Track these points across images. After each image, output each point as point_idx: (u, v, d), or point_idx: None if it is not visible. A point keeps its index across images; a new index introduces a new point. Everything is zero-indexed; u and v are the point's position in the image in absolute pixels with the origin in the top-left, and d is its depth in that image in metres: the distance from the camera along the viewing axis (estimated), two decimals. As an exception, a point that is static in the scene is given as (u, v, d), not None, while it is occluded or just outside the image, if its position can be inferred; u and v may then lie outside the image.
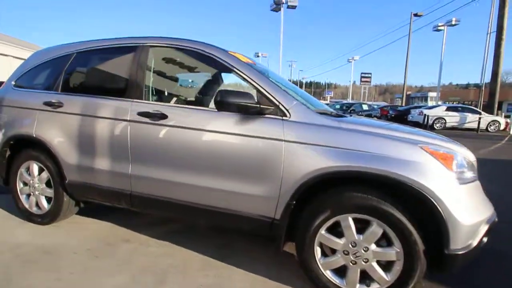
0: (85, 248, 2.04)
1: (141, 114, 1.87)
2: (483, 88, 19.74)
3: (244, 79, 1.76)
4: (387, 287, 1.51)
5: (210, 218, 1.83)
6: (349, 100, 42.55)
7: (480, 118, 13.38)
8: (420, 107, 17.65)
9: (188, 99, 2.44)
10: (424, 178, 1.38)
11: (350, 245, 1.52)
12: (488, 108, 15.35)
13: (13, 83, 2.46)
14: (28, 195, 2.38)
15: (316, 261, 1.60)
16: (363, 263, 1.51)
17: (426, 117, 13.82)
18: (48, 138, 2.14)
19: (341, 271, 1.59)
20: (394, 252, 1.47)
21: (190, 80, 2.78)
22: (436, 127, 14.04)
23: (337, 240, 1.54)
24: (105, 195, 2.08)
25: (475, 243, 1.44)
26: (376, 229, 1.47)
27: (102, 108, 2.02)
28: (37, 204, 2.35)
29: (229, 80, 2.66)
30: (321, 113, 1.68)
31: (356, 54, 44.04)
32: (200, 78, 2.64)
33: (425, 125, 13.35)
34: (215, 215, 1.76)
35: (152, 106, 1.88)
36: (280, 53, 16.66)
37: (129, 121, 1.90)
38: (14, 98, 2.39)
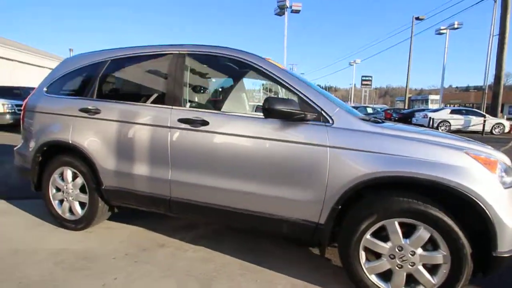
0: (123, 254, 2.06)
1: (181, 120, 1.91)
2: (486, 91, 19.86)
3: (286, 87, 1.80)
4: (433, 291, 1.53)
5: (251, 223, 1.85)
6: (351, 103, 42.65)
7: (485, 121, 13.45)
8: (424, 110, 17.71)
9: (223, 105, 2.48)
10: (473, 183, 1.41)
11: (397, 249, 1.54)
12: (491, 111, 15.41)
13: (44, 89, 2.50)
14: (61, 201, 2.41)
15: (361, 265, 1.62)
16: (409, 267, 1.54)
17: (431, 120, 13.88)
18: (85, 144, 2.17)
19: (385, 275, 1.62)
20: (441, 256, 1.49)
21: (221, 86, 2.83)
22: (441, 130, 14.08)
23: (383, 244, 1.57)
24: (143, 201, 2.10)
25: None
26: (424, 233, 1.49)
27: (141, 114, 2.05)
28: (70, 210, 2.37)
29: (248, 86, 2.71)
30: (362, 119, 1.72)
31: (357, 57, 44.24)
32: (227, 83, 2.68)
33: (430, 128, 13.39)
34: (256, 220, 1.79)
35: (192, 112, 1.92)
36: (285, 56, 16.85)
37: (170, 127, 1.94)
38: (47, 104, 2.43)
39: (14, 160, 2.65)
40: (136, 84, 2.32)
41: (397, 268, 1.56)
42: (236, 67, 2.17)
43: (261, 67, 1.87)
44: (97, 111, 2.17)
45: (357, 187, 1.54)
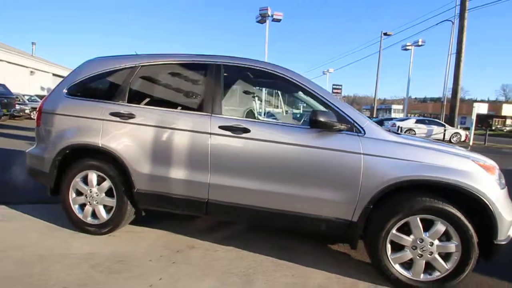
0: (157, 256, 2.11)
1: (222, 127, 2.03)
2: (445, 103, 22.07)
3: (321, 101, 2.02)
4: (446, 275, 1.82)
5: (290, 222, 2.02)
6: None
7: (445, 130, 14.99)
8: (392, 119, 19.18)
9: (255, 113, 2.63)
10: (480, 185, 1.74)
11: (418, 241, 1.82)
12: (449, 121, 17.16)
13: (64, 91, 2.46)
14: (82, 205, 2.38)
15: (387, 257, 1.87)
16: (428, 256, 1.81)
17: (399, 128, 15.11)
18: (117, 148, 2.19)
19: (406, 264, 1.88)
20: (453, 245, 1.79)
21: (254, 96, 2.98)
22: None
23: (407, 237, 1.83)
24: (178, 203, 2.17)
25: (511, 235, 1.82)
26: (440, 227, 1.78)
27: (178, 120, 2.14)
28: (93, 214, 2.35)
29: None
30: (387, 131, 1.99)
31: (331, 67, 46.34)
32: (260, 94, 2.84)
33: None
34: (296, 219, 1.97)
35: (233, 120, 2.06)
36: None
37: (210, 133, 2.05)
38: (69, 107, 2.39)
39: (27, 162, 2.55)
40: (170, 91, 2.39)
41: (417, 257, 1.83)
42: (269, 80, 2.35)
43: (296, 81, 2.07)
44: (131, 116, 2.21)
45: (387, 189, 1.80)
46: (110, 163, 2.26)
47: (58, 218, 2.57)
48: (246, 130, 2.00)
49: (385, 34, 23.00)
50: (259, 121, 2.14)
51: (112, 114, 2.25)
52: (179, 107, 2.24)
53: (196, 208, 2.15)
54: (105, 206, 2.33)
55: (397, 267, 1.88)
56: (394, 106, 56.85)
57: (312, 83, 2.08)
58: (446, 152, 1.86)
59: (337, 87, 48.30)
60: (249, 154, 2.00)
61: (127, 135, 2.20)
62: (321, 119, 1.82)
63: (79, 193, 2.37)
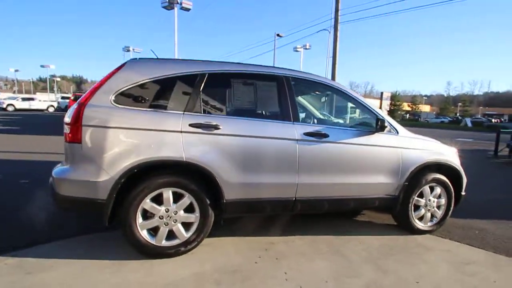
0: (256, 257, 2.23)
1: (307, 134, 2.35)
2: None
3: (367, 109, 2.67)
4: (439, 220, 2.91)
5: (357, 204, 2.61)
6: None
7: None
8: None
9: (332, 119, 2.96)
10: (457, 161, 2.89)
11: (428, 201, 2.80)
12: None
13: (112, 99, 2.06)
14: (153, 229, 2.12)
15: (413, 216, 2.77)
16: (430, 209, 2.84)
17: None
18: (205, 161, 2.11)
19: (420, 219, 2.85)
20: (444, 200, 2.87)
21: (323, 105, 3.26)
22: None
23: (422, 200, 2.78)
24: (266, 206, 2.33)
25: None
26: (438, 190, 2.83)
27: (263, 129, 2.28)
28: (168, 235, 2.15)
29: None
30: (406, 129, 2.87)
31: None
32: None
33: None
34: (362, 201, 2.58)
35: (314, 127, 2.41)
36: (176, 52, 16.04)
37: (297, 140, 2.33)
38: (127, 118, 2.04)
39: (60, 191, 1.97)
40: (245, 100, 2.40)
41: (427, 211, 2.82)
42: (328, 91, 2.79)
43: (349, 93, 2.66)
44: (216, 127, 2.16)
45: (418, 168, 2.67)
46: (191, 177, 2.14)
47: (108, 251, 2.19)
48: (326, 135, 2.42)
49: (278, 35, 26.08)
50: (333, 127, 2.56)
51: (193, 125, 2.12)
52: (263, 117, 2.37)
53: (283, 207, 2.39)
54: (183, 224, 2.18)
55: (417, 221, 2.82)
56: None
57: (360, 96, 2.70)
58: (437, 142, 2.92)
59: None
60: (330, 155, 2.43)
61: (213, 146, 2.15)
62: (385, 124, 2.49)
63: (147, 216, 2.10)
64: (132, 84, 2.12)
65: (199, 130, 2.13)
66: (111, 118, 2.01)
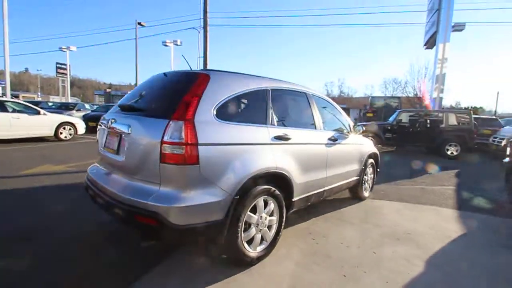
0: (316, 240, 2.79)
1: (329, 139, 3.11)
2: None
3: (343, 118, 3.75)
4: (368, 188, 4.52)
5: (346, 187, 3.64)
6: (62, 99, 35.92)
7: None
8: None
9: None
10: (374, 149, 4.56)
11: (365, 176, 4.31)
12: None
13: (214, 113, 1.97)
14: (250, 240, 2.22)
15: (362, 188, 4.19)
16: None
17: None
18: (286, 167, 2.40)
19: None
20: (373, 174, 4.49)
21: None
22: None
23: (366, 176, 4.26)
24: (310, 198, 2.88)
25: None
26: (371, 168, 4.40)
27: (310, 136, 2.83)
28: (261, 241, 2.31)
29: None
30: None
31: (72, 44, 37.23)
32: None
33: None
34: (348, 184, 3.64)
35: (331, 133, 3.18)
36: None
37: (325, 144, 3.04)
38: (232, 133, 2.04)
39: (179, 221, 1.69)
40: (298, 113, 2.81)
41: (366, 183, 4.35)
42: (327, 106, 3.55)
43: (335, 106, 3.64)
44: (288, 137, 2.48)
45: (367, 157, 4.05)
46: (275, 183, 2.38)
47: (202, 273, 2.05)
48: (337, 139, 3.28)
49: (139, 24, 23.67)
50: (338, 132, 3.40)
51: (276, 137, 2.37)
52: (306, 126, 2.88)
53: (318, 197, 3.04)
54: (269, 227, 2.40)
55: (364, 189, 4.25)
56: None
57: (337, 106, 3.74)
58: (365, 137, 4.47)
59: (62, 66, 40.42)
60: (340, 152, 3.31)
61: (288, 154, 2.48)
62: (364, 128, 3.64)
63: (245, 227, 2.19)
64: (226, 97, 2.09)
65: (280, 141, 2.41)
66: (219, 135, 1.94)
